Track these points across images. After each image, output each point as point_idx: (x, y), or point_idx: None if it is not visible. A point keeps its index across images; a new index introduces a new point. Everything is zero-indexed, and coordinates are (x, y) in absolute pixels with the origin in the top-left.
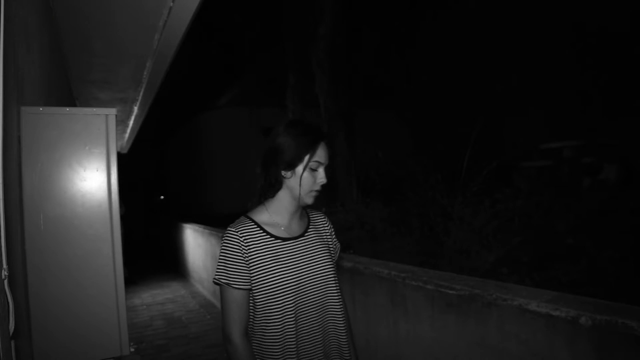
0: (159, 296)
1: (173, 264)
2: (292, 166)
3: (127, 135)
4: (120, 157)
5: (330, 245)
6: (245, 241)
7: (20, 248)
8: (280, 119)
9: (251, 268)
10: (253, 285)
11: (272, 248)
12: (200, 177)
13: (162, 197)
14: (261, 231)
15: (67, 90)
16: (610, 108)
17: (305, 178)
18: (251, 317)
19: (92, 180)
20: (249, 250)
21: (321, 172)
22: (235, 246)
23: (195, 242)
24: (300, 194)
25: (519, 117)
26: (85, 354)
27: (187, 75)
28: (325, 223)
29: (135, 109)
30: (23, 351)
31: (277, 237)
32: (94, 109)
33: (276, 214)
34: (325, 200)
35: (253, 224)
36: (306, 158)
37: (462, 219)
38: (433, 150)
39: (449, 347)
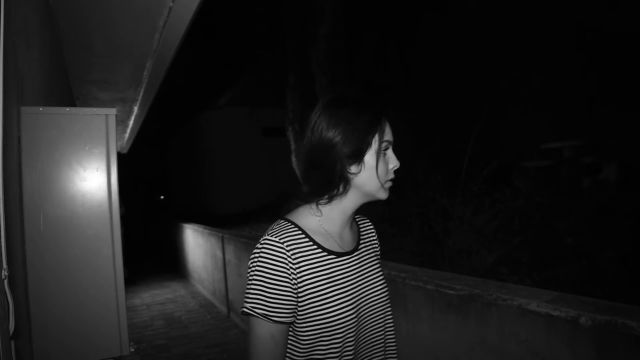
0: (159, 296)
1: (173, 264)
2: (358, 156)
3: (127, 135)
4: (120, 157)
5: (378, 258)
6: (293, 256)
7: (20, 248)
8: (280, 119)
9: (300, 294)
10: (299, 316)
11: (327, 266)
12: (200, 177)
13: (162, 197)
14: (310, 242)
15: (67, 90)
16: (611, 108)
17: (379, 163)
18: (289, 351)
19: (92, 180)
20: (297, 269)
21: (391, 154)
22: (279, 263)
23: (195, 242)
24: (373, 189)
25: (519, 117)
26: (85, 354)
27: (187, 75)
28: (373, 231)
29: (135, 109)
30: (23, 351)
31: (330, 252)
32: (94, 109)
33: (328, 220)
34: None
35: (299, 231)
36: (374, 140)
37: (462, 219)
38: (433, 150)
39: (449, 347)
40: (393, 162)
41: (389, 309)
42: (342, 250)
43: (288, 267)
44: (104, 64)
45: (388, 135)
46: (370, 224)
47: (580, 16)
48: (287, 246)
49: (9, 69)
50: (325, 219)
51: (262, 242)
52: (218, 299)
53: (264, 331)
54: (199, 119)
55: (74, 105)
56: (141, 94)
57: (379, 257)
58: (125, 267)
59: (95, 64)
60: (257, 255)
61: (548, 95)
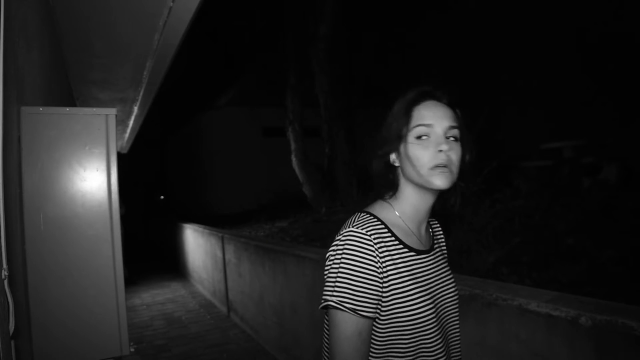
0: (159, 296)
1: (173, 264)
2: (392, 144)
3: (127, 135)
4: (120, 157)
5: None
6: (380, 249)
7: (20, 248)
8: (280, 119)
9: (385, 289)
10: (382, 313)
11: (408, 263)
12: (200, 177)
13: (162, 197)
14: (392, 237)
15: (67, 90)
16: (611, 108)
17: (413, 149)
18: None
19: (92, 180)
20: (384, 263)
21: (436, 137)
22: (368, 255)
23: (195, 242)
24: (416, 177)
25: (519, 117)
26: (85, 354)
27: (187, 75)
28: (442, 232)
29: (135, 109)
30: (23, 351)
31: (411, 249)
32: (94, 109)
33: (405, 215)
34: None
35: (382, 225)
36: (406, 127)
37: (462, 218)
38: None
39: None
40: (436, 145)
41: (458, 310)
42: (421, 248)
43: (376, 260)
44: (104, 64)
45: (424, 119)
46: (438, 224)
47: (581, 16)
48: (373, 238)
49: (9, 69)
50: (402, 214)
51: (347, 233)
52: (218, 299)
53: (351, 327)
54: (199, 119)
55: (74, 105)
56: (141, 94)
57: (447, 258)
58: (125, 267)
59: (95, 64)
60: (341, 247)
61: (548, 95)
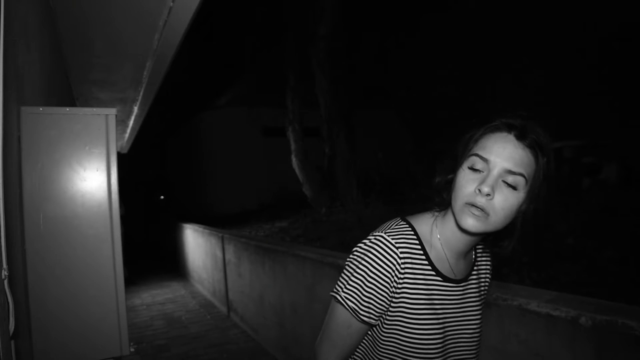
0: (159, 296)
1: (173, 264)
2: (450, 169)
3: (127, 135)
4: (120, 157)
5: (483, 299)
6: (403, 264)
7: (20, 248)
8: (280, 119)
9: (394, 303)
10: (385, 326)
11: (429, 286)
12: (200, 177)
13: (162, 197)
14: (422, 255)
15: (67, 90)
16: (611, 108)
17: (459, 177)
18: (364, 351)
19: (92, 181)
20: (402, 279)
21: (488, 176)
22: (387, 266)
23: (195, 242)
24: (453, 204)
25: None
26: (85, 354)
27: (187, 75)
28: (489, 267)
29: (135, 109)
30: (23, 351)
31: (438, 272)
32: (94, 109)
33: (444, 236)
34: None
35: (415, 239)
36: (465, 155)
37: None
38: (434, 150)
39: None
40: (479, 184)
41: (477, 351)
42: (451, 276)
43: (394, 274)
44: (104, 64)
45: (484, 151)
46: (488, 256)
47: (581, 15)
48: (400, 252)
49: (9, 69)
50: (441, 235)
51: (377, 237)
52: (218, 299)
53: (344, 319)
54: (199, 119)
55: (74, 105)
56: (141, 94)
57: (484, 295)
58: (125, 267)
59: (95, 64)
60: (367, 249)
61: (548, 94)
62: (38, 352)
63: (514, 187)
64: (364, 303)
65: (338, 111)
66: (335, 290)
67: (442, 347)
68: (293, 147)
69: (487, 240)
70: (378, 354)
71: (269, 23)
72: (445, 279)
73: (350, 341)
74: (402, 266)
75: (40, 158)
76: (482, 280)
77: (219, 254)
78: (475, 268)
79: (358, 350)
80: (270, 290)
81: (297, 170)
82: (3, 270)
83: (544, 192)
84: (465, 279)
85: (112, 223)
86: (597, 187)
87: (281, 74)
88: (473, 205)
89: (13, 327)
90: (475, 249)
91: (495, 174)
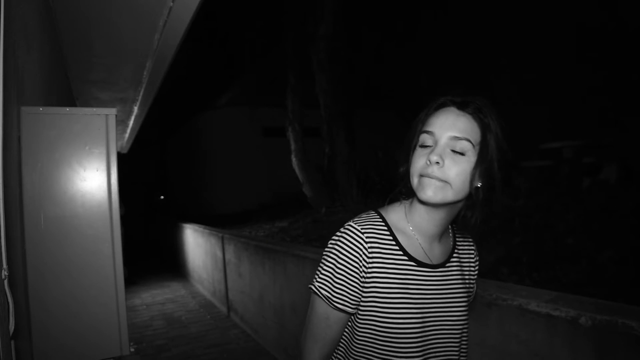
0: (159, 296)
1: (173, 264)
2: (406, 151)
3: (127, 135)
4: (120, 157)
5: (469, 288)
6: (370, 249)
7: (20, 248)
8: (280, 119)
9: (366, 288)
10: (360, 313)
11: (401, 271)
12: (200, 177)
13: (162, 197)
14: (392, 241)
15: (67, 90)
16: (611, 108)
17: (413, 157)
18: (345, 344)
19: (92, 180)
20: (370, 264)
21: (435, 147)
22: (354, 252)
23: (195, 242)
24: (411, 183)
25: (519, 116)
26: (85, 354)
27: (187, 75)
28: (472, 254)
29: (135, 109)
30: (23, 351)
31: (410, 257)
32: (94, 109)
33: (415, 222)
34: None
35: (384, 226)
36: (418, 133)
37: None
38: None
39: None
40: (428, 155)
41: (463, 338)
42: (426, 261)
43: (361, 259)
44: (104, 64)
45: (432, 125)
46: (472, 245)
47: (581, 15)
48: (366, 237)
49: (9, 69)
50: (411, 221)
51: (346, 227)
52: (218, 299)
53: (321, 310)
54: (199, 119)
55: (74, 105)
56: (141, 94)
57: (471, 285)
58: (125, 267)
59: (95, 64)
60: (336, 239)
61: (548, 94)
62: (38, 352)
63: (462, 154)
64: (335, 289)
65: (338, 111)
66: (311, 282)
67: (422, 332)
68: (293, 147)
69: (457, 221)
70: (356, 344)
71: (269, 23)
72: (420, 264)
73: (330, 333)
74: (370, 251)
75: (40, 158)
76: (465, 266)
77: (219, 254)
78: (455, 253)
79: (340, 344)
80: (270, 290)
81: (297, 170)
82: (3, 270)
83: (499, 159)
84: (444, 264)
85: (112, 223)
86: (597, 187)
87: (281, 74)
88: (427, 176)
89: (13, 327)
90: (455, 235)
91: (442, 144)
